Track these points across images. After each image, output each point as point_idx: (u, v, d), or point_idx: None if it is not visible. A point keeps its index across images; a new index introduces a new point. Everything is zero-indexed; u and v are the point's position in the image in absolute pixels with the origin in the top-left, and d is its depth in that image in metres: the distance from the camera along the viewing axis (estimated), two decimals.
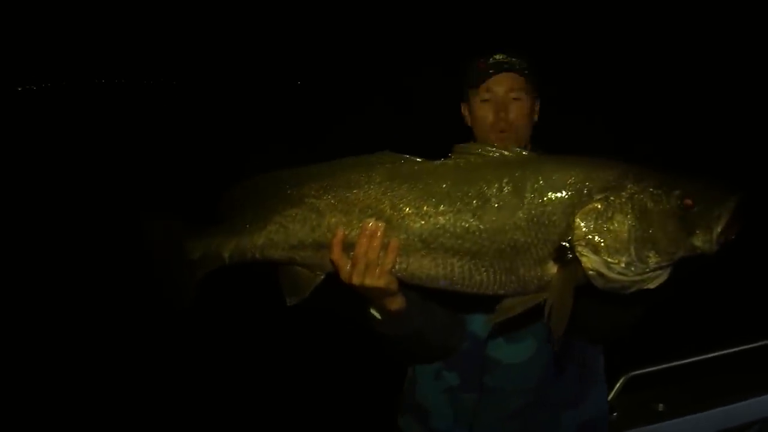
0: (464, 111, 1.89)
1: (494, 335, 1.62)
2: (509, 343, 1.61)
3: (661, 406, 1.46)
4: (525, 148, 1.75)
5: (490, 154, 1.41)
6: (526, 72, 1.77)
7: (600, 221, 1.30)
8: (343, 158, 1.50)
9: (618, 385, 1.46)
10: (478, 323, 1.58)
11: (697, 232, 1.30)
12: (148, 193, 8.90)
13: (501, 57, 1.77)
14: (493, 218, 1.34)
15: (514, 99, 1.75)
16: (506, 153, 1.40)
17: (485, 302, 1.43)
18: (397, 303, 1.46)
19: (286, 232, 1.48)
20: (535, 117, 1.86)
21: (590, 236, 1.30)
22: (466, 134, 2.00)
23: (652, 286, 1.31)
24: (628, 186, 1.32)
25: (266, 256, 1.50)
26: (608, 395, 1.47)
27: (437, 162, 1.42)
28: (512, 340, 1.61)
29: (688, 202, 1.30)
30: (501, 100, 1.75)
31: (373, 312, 1.51)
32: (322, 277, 1.48)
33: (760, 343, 1.67)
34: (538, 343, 1.51)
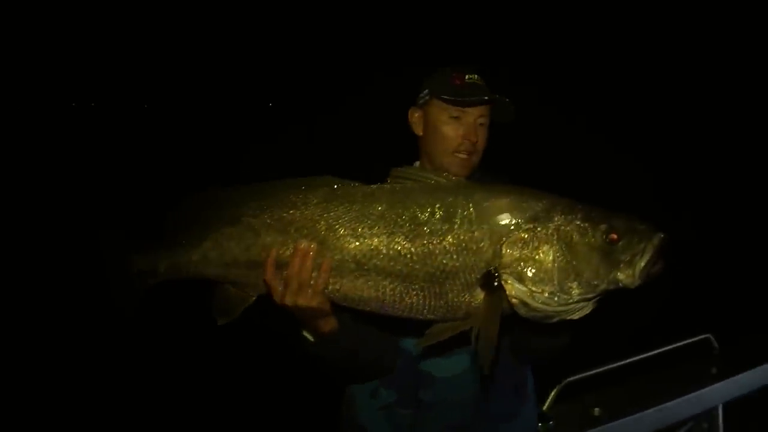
0: (416, 117, 1.84)
1: (427, 350, 1.63)
2: (442, 358, 1.62)
3: (597, 411, 1.49)
4: (469, 172, 1.76)
5: (426, 180, 1.43)
6: (498, 99, 1.77)
7: (525, 251, 1.32)
8: (283, 179, 1.49)
9: (553, 392, 1.49)
10: (411, 340, 1.58)
11: (621, 266, 1.32)
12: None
13: (476, 78, 1.76)
14: (424, 242, 1.35)
15: (481, 125, 1.76)
16: (440, 180, 1.43)
17: (416, 321, 1.44)
18: (329, 324, 1.46)
19: (221, 250, 1.47)
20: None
21: (515, 265, 1.32)
22: (409, 141, 1.95)
23: (575, 317, 1.33)
24: (556, 218, 1.34)
25: (200, 273, 1.50)
26: (540, 407, 1.48)
27: (374, 186, 1.44)
28: (445, 354, 1.62)
29: (614, 236, 1.32)
30: (472, 124, 1.75)
31: (306, 334, 1.51)
32: (254, 298, 1.49)
33: (689, 341, 1.71)
34: (471, 356, 1.52)
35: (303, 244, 1.38)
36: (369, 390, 1.70)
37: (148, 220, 1.67)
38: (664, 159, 11.47)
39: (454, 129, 1.75)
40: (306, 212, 1.43)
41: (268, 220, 1.44)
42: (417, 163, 1.82)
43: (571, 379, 1.52)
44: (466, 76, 1.78)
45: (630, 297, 1.45)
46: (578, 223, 1.34)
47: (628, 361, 1.66)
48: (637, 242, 1.32)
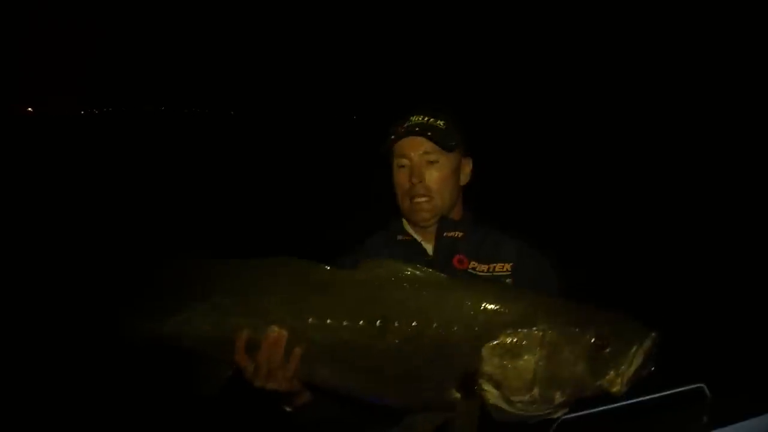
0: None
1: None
2: None
3: None
4: (455, 216, 1.74)
5: (402, 272, 1.36)
6: (444, 130, 1.72)
7: (506, 358, 1.25)
8: (250, 259, 1.47)
9: None
10: (391, 418, 1.55)
11: (608, 374, 1.26)
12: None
13: (418, 118, 1.73)
14: (396, 341, 1.29)
15: (430, 162, 1.72)
16: (418, 273, 1.36)
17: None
18: (302, 398, 1.47)
19: (192, 325, 1.46)
20: (464, 178, 1.83)
21: (495, 372, 1.25)
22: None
23: (554, 416, 1.30)
24: (539, 322, 1.26)
25: (176, 345, 1.49)
26: None
27: (345, 272, 1.41)
28: None
29: (601, 342, 1.25)
30: (416, 164, 1.72)
31: (284, 406, 1.50)
32: (230, 371, 1.47)
33: (682, 389, 1.72)
34: None
35: (274, 331, 1.35)
36: None
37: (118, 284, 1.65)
38: (658, 200, 11.53)
39: (402, 174, 1.75)
40: (275, 297, 1.39)
41: (239, 302, 1.42)
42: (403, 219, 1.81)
43: (565, 418, 1.53)
44: (410, 120, 1.76)
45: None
46: (563, 328, 1.25)
47: (621, 404, 1.67)
48: (626, 349, 1.25)
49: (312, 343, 1.35)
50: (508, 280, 1.72)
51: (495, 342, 1.26)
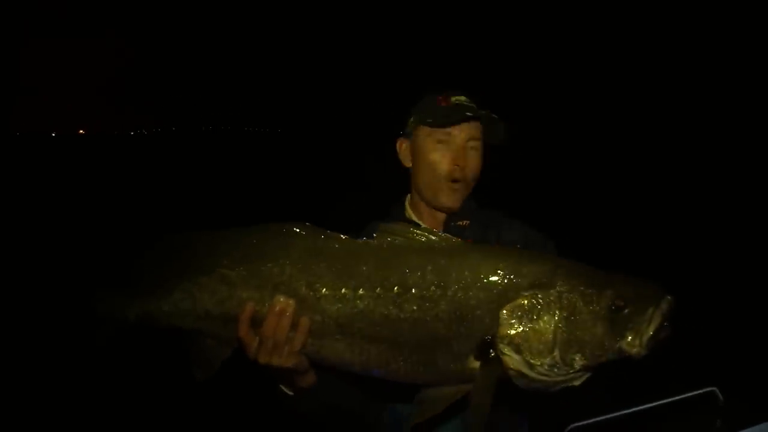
0: (403, 148, 1.79)
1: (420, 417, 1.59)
2: (435, 423, 1.58)
3: None
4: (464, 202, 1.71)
5: (416, 238, 1.33)
6: (491, 119, 1.69)
7: (525, 320, 1.25)
8: (261, 225, 1.40)
9: None
10: (401, 405, 1.52)
11: (627, 335, 1.27)
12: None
13: (463, 99, 1.69)
14: (414, 308, 1.27)
15: (472, 148, 1.68)
16: (432, 237, 1.34)
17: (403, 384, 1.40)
18: (307, 380, 1.41)
19: (193, 301, 1.39)
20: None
21: (514, 335, 1.25)
22: (399, 175, 1.89)
23: (576, 384, 1.28)
24: (558, 283, 1.27)
25: (172, 324, 1.44)
26: None
27: (359, 241, 1.36)
28: (439, 419, 1.59)
29: (620, 303, 1.26)
30: (460, 146, 1.67)
31: (283, 388, 1.45)
32: (230, 351, 1.43)
33: (694, 393, 1.70)
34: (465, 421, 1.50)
35: (280, 301, 1.30)
36: None
37: (122, 262, 1.61)
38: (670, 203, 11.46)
39: (441, 154, 1.68)
40: (285, 267, 1.33)
41: (245, 273, 1.34)
42: (408, 197, 1.75)
43: (575, 425, 1.51)
44: (452, 98, 1.71)
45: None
46: (582, 289, 1.27)
47: (632, 410, 1.64)
48: (644, 309, 1.27)
49: (324, 314, 1.30)
50: None
51: (514, 304, 1.26)
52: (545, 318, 1.25)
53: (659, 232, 9.25)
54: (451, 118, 1.71)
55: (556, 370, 1.27)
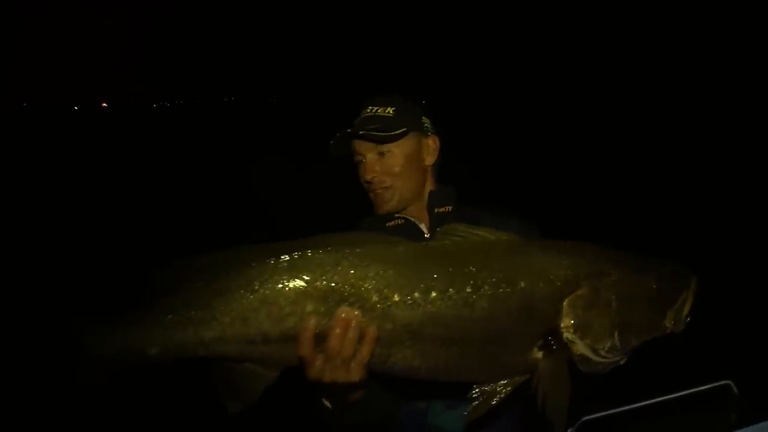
0: None
1: (436, 405, 1.60)
2: (450, 410, 1.60)
3: None
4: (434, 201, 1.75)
5: (475, 237, 1.36)
6: (391, 118, 1.74)
7: (587, 308, 1.31)
8: (315, 236, 1.31)
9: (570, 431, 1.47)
10: (416, 391, 1.53)
11: (668, 314, 1.37)
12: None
13: (366, 111, 1.78)
14: (485, 306, 1.28)
15: (381, 154, 1.75)
16: (490, 236, 1.37)
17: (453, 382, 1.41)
18: (358, 394, 1.38)
19: (245, 324, 1.24)
20: (430, 158, 1.84)
21: (578, 323, 1.31)
22: None
23: (622, 362, 1.37)
24: (611, 272, 1.34)
25: (214, 353, 1.27)
26: None
27: (421, 245, 1.36)
28: (452, 406, 1.60)
29: (661, 285, 1.36)
30: (368, 160, 1.77)
31: (325, 401, 1.41)
32: (276, 375, 1.31)
33: (709, 386, 1.69)
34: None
35: (345, 311, 1.22)
36: None
37: (133, 283, 1.35)
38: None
39: (360, 171, 1.80)
40: (349, 276, 1.24)
41: (305, 286, 1.23)
42: None
43: (588, 418, 1.51)
44: (363, 111, 1.80)
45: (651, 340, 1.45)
46: (631, 275, 1.35)
47: (645, 403, 1.64)
48: (679, 290, 1.38)
49: (395, 321, 1.24)
50: None
51: (575, 294, 1.31)
52: (605, 305, 1.32)
53: (674, 221, 9.17)
54: (349, 137, 1.78)
55: (615, 351, 1.34)
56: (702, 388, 1.74)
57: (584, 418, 1.52)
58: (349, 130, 1.79)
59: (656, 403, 1.69)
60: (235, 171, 15.46)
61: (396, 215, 1.85)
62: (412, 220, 1.85)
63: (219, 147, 22.84)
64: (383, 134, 1.75)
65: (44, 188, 14.45)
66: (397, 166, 1.76)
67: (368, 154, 1.79)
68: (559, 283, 1.31)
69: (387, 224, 1.85)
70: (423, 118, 1.85)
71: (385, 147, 1.77)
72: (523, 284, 1.30)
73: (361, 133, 1.76)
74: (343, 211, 2.02)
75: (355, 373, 1.25)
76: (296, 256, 1.26)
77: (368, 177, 1.76)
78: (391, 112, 1.77)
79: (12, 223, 9.22)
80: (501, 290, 1.29)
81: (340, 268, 1.25)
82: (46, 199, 12.87)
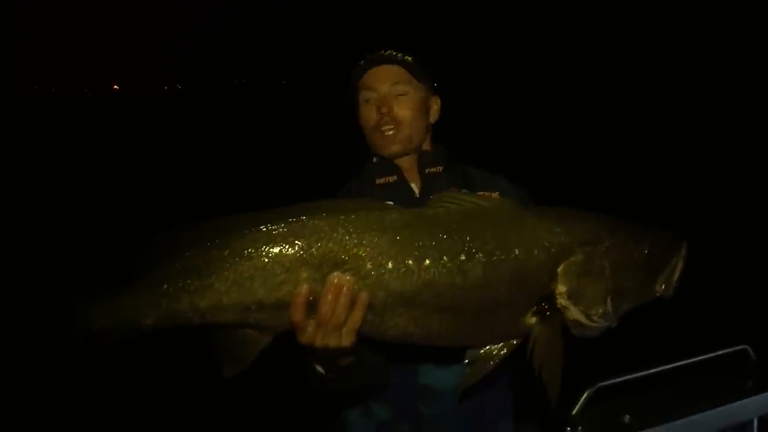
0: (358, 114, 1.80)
1: (426, 364, 1.60)
2: (441, 370, 1.60)
3: (627, 418, 1.47)
4: (433, 157, 1.72)
5: (469, 204, 1.34)
6: (411, 63, 1.71)
7: (582, 274, 1.32)
8: (308, 203, 1.31)
9: (584, 397, 1.47)
10: (407, 352, 1.53)
11: (659, 279, 1.38)
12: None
13: (385, 52, 1.73)
14: (479, 274, 1.27)
15: (399, 94, 1.70)
16: (484, 204, 1.35)
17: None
18: (348, 359, 1.37)
19: (241, 291, 1.25)
20: (433, 116, 1.79)
21: (572, 289, 1.32)
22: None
23: (613, 326, 1.39)
24: (604, 238, 1.34)
25: (210, 321, 1.28)
26: (570, 411, 1.47)
27: (414, 211, 1.33)
28: (443, 366, 1.59)
29: (653, 251, 1.37)
30: (383, 95, 1.69)
31: (317, 367, 1.42)
32: (270, 339, 1.32)
33: (725, 351, 1.68)
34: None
35: (338, 277, 1.23)
36: (359, 409, 1.66)
37: (130, 254, 1.33)
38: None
39: (369, 108, 1.72)
40: (344, 242, 1.25)
41: (300, 253, 1.25)
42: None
43: (603, 384, 1.51)
44: (378, 54, 1.75)
45: (667, 304, 1.45)
46: (625, 242, 1.35)
47: (661, 368, 1.63)
48: (670, 256, 1.38)
49: (388, 288, 1.25)
50: None
51: (570, 261, 1.32)
52: (598, 271, 1.32)
53: (686, 186, 9.07)
54: (362, 69, 1.72)
55: (608, 316, 1.35)
56: (718, 353, 1.73)
57: (599, 384, 1.52)
58: (371, 57, 1.74)
59: (672, 368, 1.69)
60: (240, 155, 15.43)
61: (390, 171, 1.78)
62: (404, 179, 1.78)
63: (231, 128, 22.77)
64: (413, 63, 1.72)
65: (47, 170, 14.43)
66: (412, 109, 1.70)
67: (383, 87, 1.70)
68: (553, 251, 1.31)
69: (378, 181, 1.77)
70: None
71: (404, 88, 1.71)
72: (517, 251, 1.29)
73: (392, 55, 1.70)
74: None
75: (346, 339, 1.26)
76: (291, 224, 1.26)
77: (384, 111, 1.67)
78: (410, 59, 1.75)
79: (12, 215, 9.12)
80: (495, 257, 1.28)
81: (335, 234, 1.25)
82: (48, 180, 12.90)
